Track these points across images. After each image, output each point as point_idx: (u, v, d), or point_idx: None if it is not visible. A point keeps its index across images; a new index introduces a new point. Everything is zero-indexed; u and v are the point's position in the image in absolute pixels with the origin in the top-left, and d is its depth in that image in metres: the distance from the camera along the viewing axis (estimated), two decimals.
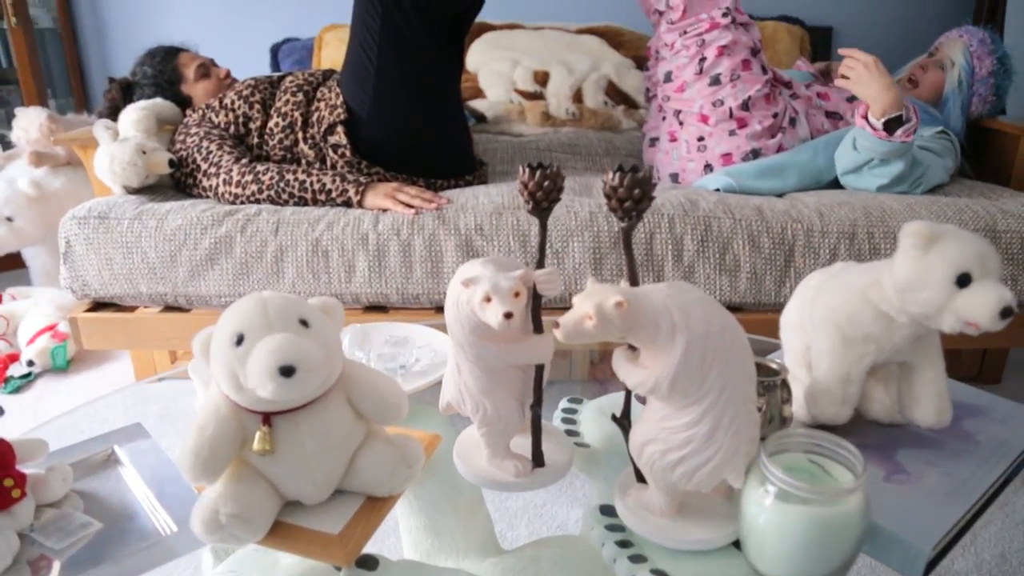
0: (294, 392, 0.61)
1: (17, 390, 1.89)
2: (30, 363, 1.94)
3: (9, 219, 2.22)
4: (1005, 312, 0.67)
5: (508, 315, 0.61)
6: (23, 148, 2.34)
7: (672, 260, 1.47)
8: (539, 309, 0.70)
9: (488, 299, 0.63)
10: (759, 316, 1.52)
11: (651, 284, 0.64)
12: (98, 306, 1.60)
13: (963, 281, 0.68)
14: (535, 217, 0.65)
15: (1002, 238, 1.53)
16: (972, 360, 1.88)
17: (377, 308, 1.55)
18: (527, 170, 0.65)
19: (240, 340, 0.62)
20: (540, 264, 0.69)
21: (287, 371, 0.60)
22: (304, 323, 0.64)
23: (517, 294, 0.63)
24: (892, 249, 1.51)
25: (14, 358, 1.99)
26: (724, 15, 1.70)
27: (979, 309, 0.67)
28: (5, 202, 2.21)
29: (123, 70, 3.01)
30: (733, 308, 1.54)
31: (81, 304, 1.60)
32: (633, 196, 0.61)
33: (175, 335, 1.55)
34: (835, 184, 1.77)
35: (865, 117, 1.59)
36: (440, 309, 1.54)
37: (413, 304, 1.52)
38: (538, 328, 0.71)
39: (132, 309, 1.59)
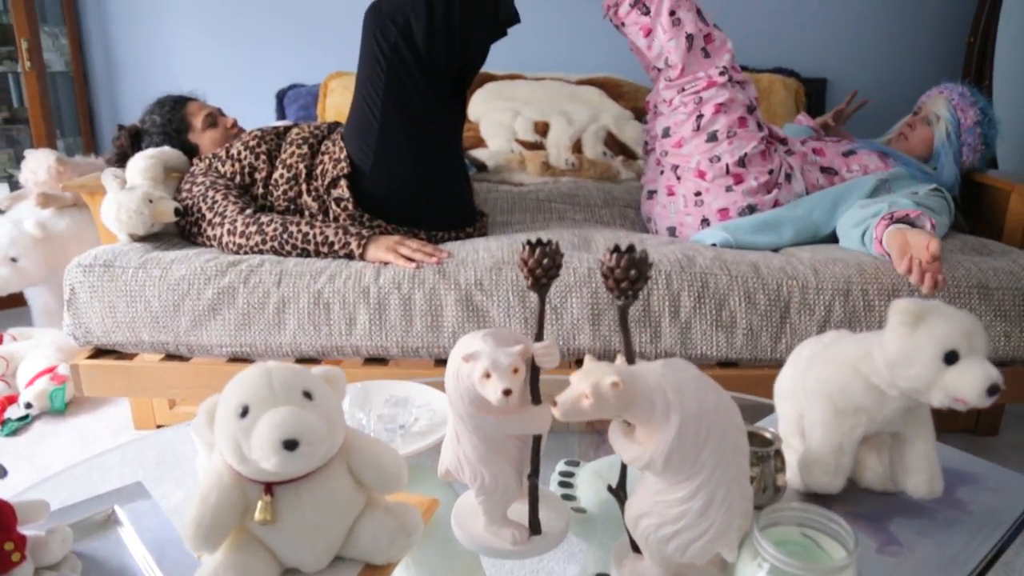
0: (297, 465, 0.63)
1: (14, 432, 1.89)
2: (28, 405, 1.95)
3: (13, 260, 2.24)
4: (992, 390, 0.69)
5: (507, 392, 0.63)
6: (31, 189, 2.37)
7: (669, 316, 1.49)
8: (537, 381, 0.72)
9: (487, 375, 0.64)
10: (755, 372, 1.53)
11: (646, 362, 0.65)
12: (99, 352, 1.61)
13: (950, 359, 0.70)
14: (534, 292, 0.67)
15: (994, 295, 1.55)
16: (969, 412, 1.88)
17: (377, 360, 1.57)
18: (527, 247, 0.68)
19: (245, 412, 0.64)
20: (539, 336, 0.71)
21: (290, 445, 0.62)
22: (308, 395, 0.66)
23: (516, 370, 0.65)
24: (886, 306, 1.53)
25: (12, 400, 2.00)
26: (721, 74, 1.75)
27: (967, 387, 0.69)
28: (10, 243, 2.23)
29: (132, 112, 3.06)
30: (729, 364, 1.56)
31: (82, 351, 1.61)
32: (629, 276, 0.63)
33: (175, 384, 1.56)
34: (831, 238, 1.79)
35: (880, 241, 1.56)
36: (440, 362, 1.55)
37: (413, 357, 1.53)
38: (536, 399, 0.72)
39: (132, 356, 1.61)
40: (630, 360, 0.66)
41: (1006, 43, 2.74)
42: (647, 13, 1.74)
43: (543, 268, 0.67)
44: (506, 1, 1.66)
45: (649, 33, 1.75)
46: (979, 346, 0.70)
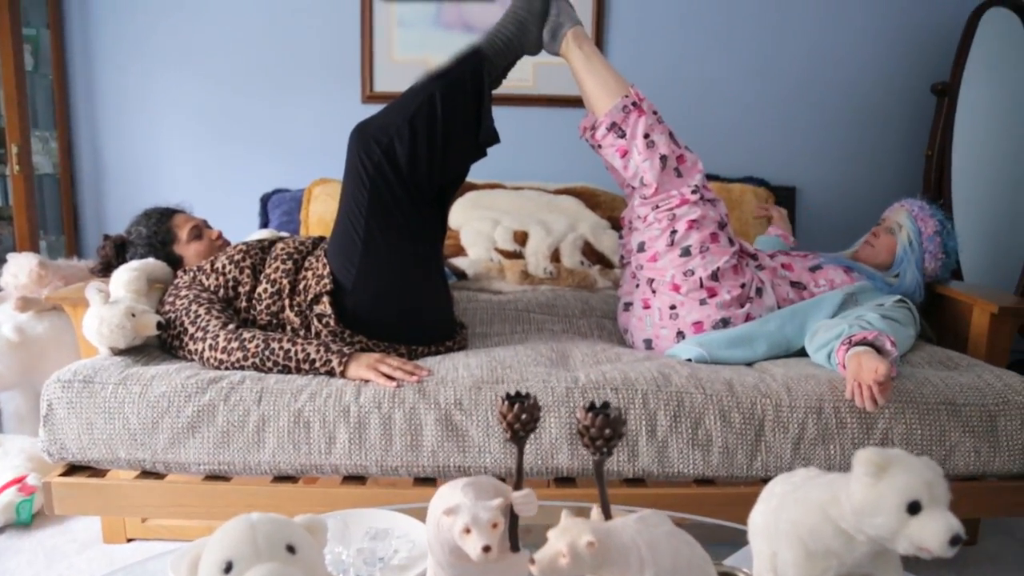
0: None
1: None
2: None
3: None
4: (954, 540, 0.71)
5: (487, 549, 0.65)
6: (11, 293, 2.37)
7: (646, 435, 1.51)
8: (516, 528, 0.73)
9: (468, 530, 0.66)
10: (732, 490, 1.54)
11: (622, 515, 0.67)
12: (71, 469, 1.59)
13: (913, 509, 0.73)
14: (513, 444, 0.69)
15: (962, 412, 1.59)
16: None
17: (356, 478, 1.56)
18: (506, 402, 0.70)
19: (229, 568, 0.64)
20: (518, 485, 0.73)
21: None
22: (291, 549, 0.67)
23: (495, 525, 0.66)
24: (858, 424, 1.57)
25: None
26: (693, 192, 1.83)
27: (930, 538, 0.71)
28: None
29: (116, 214, 3.11)
30: (706, 482, 1.57)
31: (55, 468, 1.59)
32: (604, 435, 0.65)
33: (149, 503, 1.53)
34: (803, 351, 1.84)
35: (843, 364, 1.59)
36: (419, 480, 1.55)
37: (392, 475, 1.53)
38: (515, 547, 0.73)
39: (104, 472, 1.58)
40: (606, 515, 0.68)
41: (960, 157, 2.90)
42: (623, 136, 1.83)
43: (521, 423, 0.70)
44: (486, 123, 1.75)
45: (625, 154, 1.84)
46: (940, 496, 0.73)
